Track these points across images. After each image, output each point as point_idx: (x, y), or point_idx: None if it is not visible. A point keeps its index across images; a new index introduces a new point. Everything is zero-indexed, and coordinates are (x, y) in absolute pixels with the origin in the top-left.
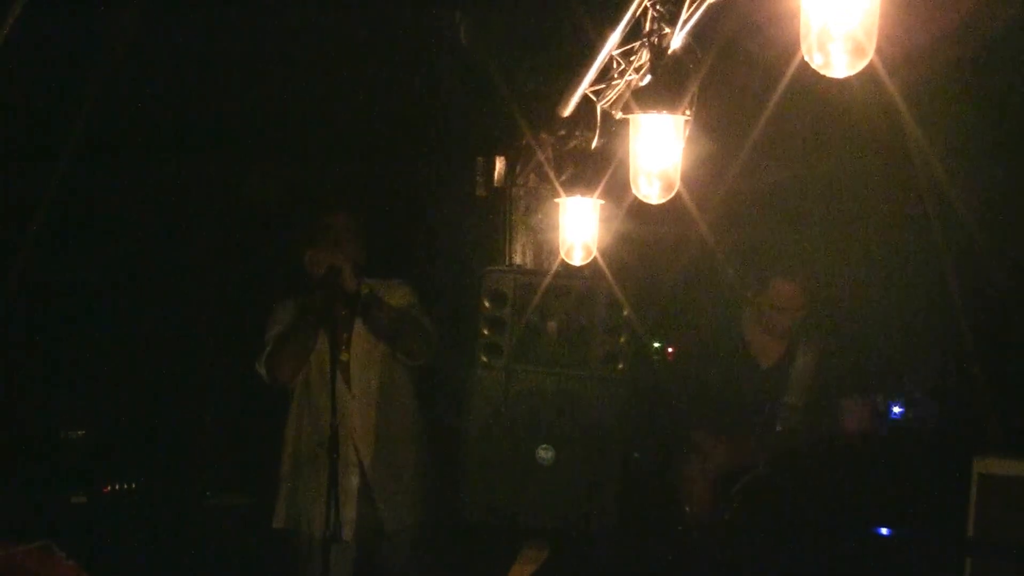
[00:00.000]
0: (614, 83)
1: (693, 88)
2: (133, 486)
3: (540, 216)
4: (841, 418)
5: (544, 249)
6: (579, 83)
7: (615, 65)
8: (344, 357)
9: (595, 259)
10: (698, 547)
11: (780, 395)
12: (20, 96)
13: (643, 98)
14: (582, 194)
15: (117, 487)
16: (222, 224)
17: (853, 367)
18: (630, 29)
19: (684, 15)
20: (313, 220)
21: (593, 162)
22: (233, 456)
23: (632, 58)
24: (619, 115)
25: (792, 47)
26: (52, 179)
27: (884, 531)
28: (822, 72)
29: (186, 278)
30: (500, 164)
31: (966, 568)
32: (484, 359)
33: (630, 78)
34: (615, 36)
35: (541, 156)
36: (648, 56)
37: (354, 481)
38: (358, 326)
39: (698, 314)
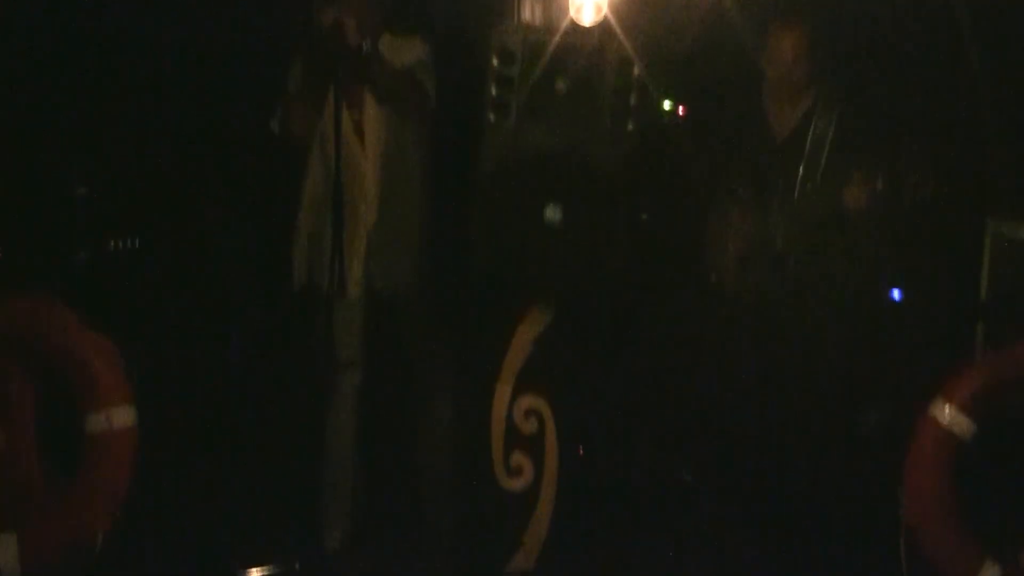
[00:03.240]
0: None
1: None
2: None
3: None
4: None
5: (553, 6)
6: None
7: None
8: (356, 115)
9: (606, 17)
10: None
11: (796, 169)
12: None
13: None
14: None
15: None
16: None
17: (872, 135)
18: None
19: None
20: None
21: None
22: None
23: None
24: None
25: None
26: None
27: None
28: None
29: None
30: None
31: None
32: (492, 118)
33: None
34: None
35: None
36: None
37: (360, 236)
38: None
39: (715, 75)
